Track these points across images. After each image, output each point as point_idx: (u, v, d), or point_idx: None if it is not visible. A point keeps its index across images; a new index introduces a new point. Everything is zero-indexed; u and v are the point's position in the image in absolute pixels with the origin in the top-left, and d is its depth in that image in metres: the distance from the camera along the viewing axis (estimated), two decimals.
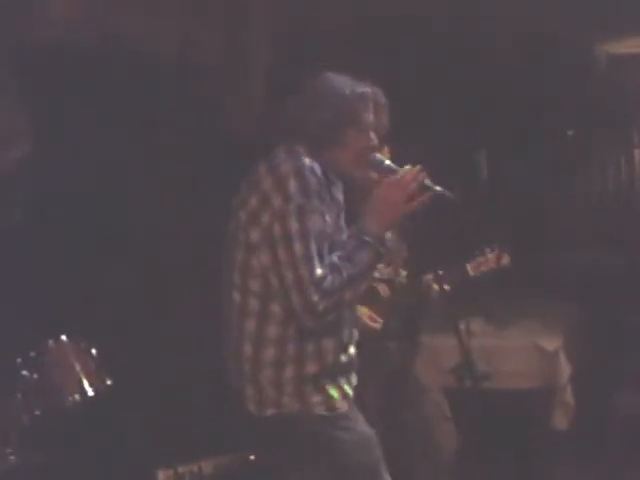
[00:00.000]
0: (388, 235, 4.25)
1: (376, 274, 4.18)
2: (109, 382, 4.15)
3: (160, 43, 5.17)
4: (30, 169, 4.65)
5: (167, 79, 5.25)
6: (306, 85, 3.10)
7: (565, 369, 5.24)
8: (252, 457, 4.45)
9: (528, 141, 6.56)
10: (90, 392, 4.07)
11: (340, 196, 3.12)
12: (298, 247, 2.85)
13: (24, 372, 3.98)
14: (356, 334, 3.13)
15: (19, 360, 4.00)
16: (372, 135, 3.09)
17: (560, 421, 5.21)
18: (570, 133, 6.72)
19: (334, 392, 3.02)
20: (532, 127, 6.51)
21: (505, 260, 4.45)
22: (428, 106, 5.98)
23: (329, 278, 2.85)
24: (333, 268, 2.86)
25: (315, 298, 2.83)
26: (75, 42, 4.75)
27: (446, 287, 4.16)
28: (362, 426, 3.10)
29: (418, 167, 3.00)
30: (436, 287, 4.20)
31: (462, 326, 3.85)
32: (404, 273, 4.33)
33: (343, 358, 3.04)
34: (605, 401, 5.28)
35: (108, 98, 4.87)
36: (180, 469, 4.41)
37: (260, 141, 3.11)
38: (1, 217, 4.55)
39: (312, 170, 2.91)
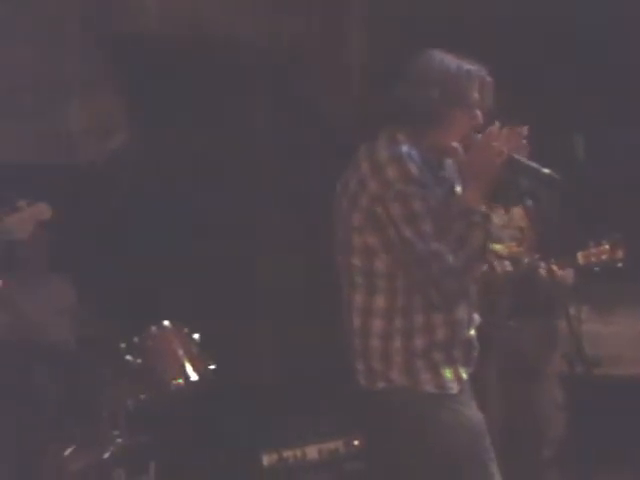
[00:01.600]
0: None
1: (504, 250, 4.15)
2: (213, 366, 4.19)
3: (256, 34, 5.19)
4: (128, 159, 4.72)
5: (262, 69, 5.26)
6: (410, 65, 3.06)
7: None
8: (356, 442, 4.42)
9: (629, 126, 6.40)
10: (194, 376, 4.11)
11: (451, 174, 3.08)
12: (408, 230, 2.83)
13: (128, 357, 4.04)
14: (476, 317, 3.08)
15: (123, 345, 4.06)
16: (477, 114, 3.04)
17: None
18: None
19: (447, 372, 2.98)
20: (632, 109, 6.34)
21: (619, 255, 4.35)
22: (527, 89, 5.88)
23: (450, 257, 2.84)
24: (450, 248, 2.85)
25: (439, 275, 2.83)
26: (169, 35, 4.80)
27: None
28: (473, 412, 3.01)
29: (496, 124, 2.91)
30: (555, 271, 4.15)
31: (572, 312, 3.78)
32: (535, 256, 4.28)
33: (458, 336, 3.00)
34: None
35: (204, 89, 4.91)
36: (284, 453, 4.39)
37: (358, 127, 3.07)
38: (102, 206, 4.62)
39: (410, 157, 2.88)
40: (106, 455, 3.93)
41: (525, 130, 2.91)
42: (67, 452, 3.96)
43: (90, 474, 3.96)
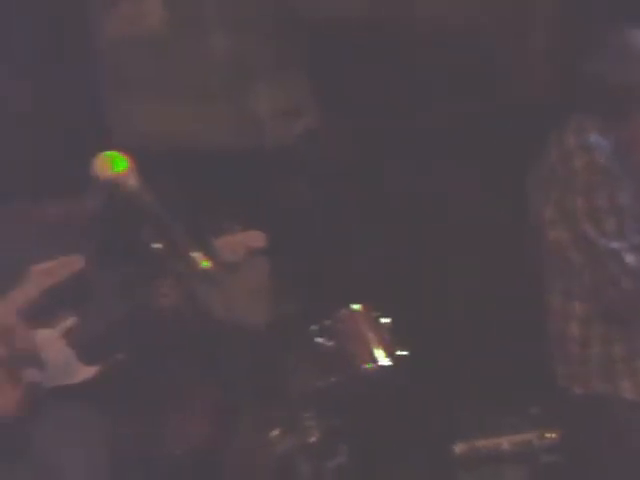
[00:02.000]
0: None
1: None
2: (403, 352, 4.13)
3: (444, 16, 5.11)
4: (316, 144, 4.72)
5: (451, 53, 5.18)
6: (607, 43, 2.93)
7: None
8: (552, 435, 4.28)
9: None
10: (384, 362, 4.06)
11: None
12: (589, 225, 2.79)
13: (319, 339, 4.04)
14: None
15: (314, 328, 4.05)
16: None
17: None
18: None
19: None
20: None
21: None
22: None
23: (629, 255, 2.68)
24: (630, 245, 2.71)
25: (617, 272, 2.72)
26: (357, 17, 4.78)
27: None
28: None
29: None
30: None
31: None
32: None
33: None
34: None
35: (391, 71, 4.86)
36: (478, 443, 4.31)
37: (546, 103, 2.96)
38: (289, 192, 4.64)
39: (599, 147, 2.79)
40: (312, 439, 3.93)
41: None
42: (273, 434, 4.00)
43: (293, 457, 3.98)
